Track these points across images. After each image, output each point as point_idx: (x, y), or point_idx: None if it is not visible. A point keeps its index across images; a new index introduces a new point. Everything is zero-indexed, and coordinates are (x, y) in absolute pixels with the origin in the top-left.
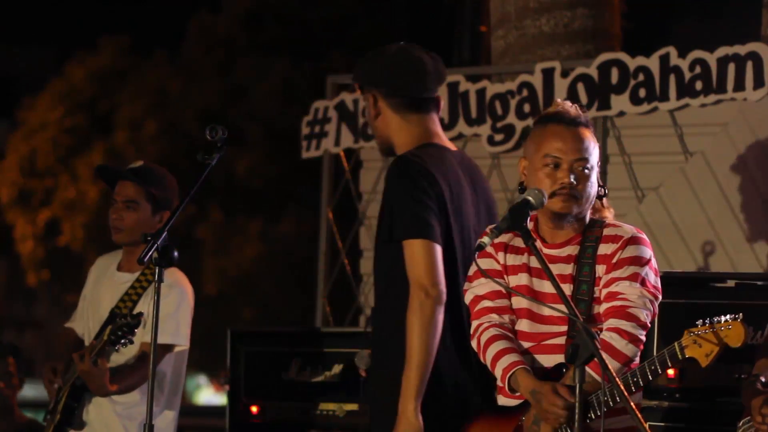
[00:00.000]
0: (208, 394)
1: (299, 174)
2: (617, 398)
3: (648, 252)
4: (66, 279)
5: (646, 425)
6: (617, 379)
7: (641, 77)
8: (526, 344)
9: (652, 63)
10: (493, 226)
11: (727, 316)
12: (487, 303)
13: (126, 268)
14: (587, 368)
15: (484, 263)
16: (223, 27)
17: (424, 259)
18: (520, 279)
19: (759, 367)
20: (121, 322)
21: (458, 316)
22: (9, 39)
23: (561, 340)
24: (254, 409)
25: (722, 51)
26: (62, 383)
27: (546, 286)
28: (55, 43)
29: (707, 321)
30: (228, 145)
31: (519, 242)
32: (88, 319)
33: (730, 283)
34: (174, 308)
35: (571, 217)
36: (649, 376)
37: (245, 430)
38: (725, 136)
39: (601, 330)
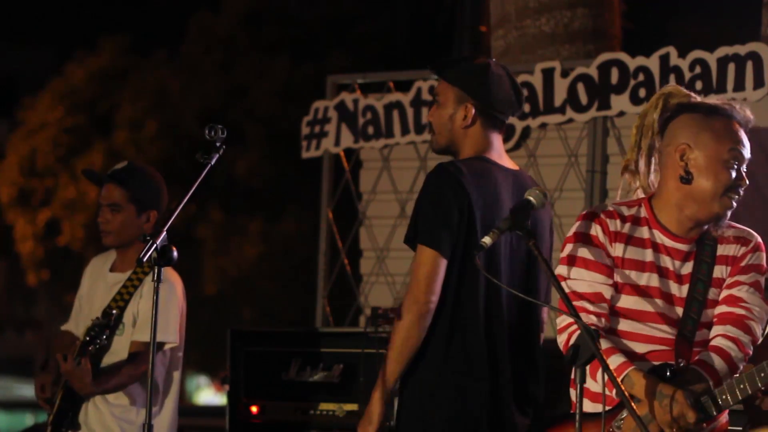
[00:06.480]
0: (208, 394)
1: (299, 174)
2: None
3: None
4: (66, 279)
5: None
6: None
7: (641, 77)
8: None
9: (652, 63)
10: (495, 226)
11: None
12: (585, 304)
13: (119, 268)
14: (698, 369)
15: (590, 253)
16: (223, 27)
17: (426, 268)
18: (649, 279)
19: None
20: (95, 322)
21: (474, 329)
22: (9, 39)
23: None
24: (254, 409)
25: (722, 51)
26: (57, 386)
27: (673, 288)
28: (55, 43)
29: None
30: (228, 145)
31: (642, 232)
32: (85, 319)
33: None
34: (162, 305)
35: (717, 221)
36: (759, 384)
37: (245, 430)
38: None
39: (708, 339)
